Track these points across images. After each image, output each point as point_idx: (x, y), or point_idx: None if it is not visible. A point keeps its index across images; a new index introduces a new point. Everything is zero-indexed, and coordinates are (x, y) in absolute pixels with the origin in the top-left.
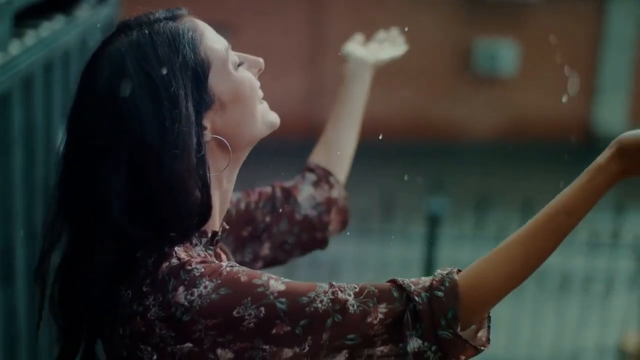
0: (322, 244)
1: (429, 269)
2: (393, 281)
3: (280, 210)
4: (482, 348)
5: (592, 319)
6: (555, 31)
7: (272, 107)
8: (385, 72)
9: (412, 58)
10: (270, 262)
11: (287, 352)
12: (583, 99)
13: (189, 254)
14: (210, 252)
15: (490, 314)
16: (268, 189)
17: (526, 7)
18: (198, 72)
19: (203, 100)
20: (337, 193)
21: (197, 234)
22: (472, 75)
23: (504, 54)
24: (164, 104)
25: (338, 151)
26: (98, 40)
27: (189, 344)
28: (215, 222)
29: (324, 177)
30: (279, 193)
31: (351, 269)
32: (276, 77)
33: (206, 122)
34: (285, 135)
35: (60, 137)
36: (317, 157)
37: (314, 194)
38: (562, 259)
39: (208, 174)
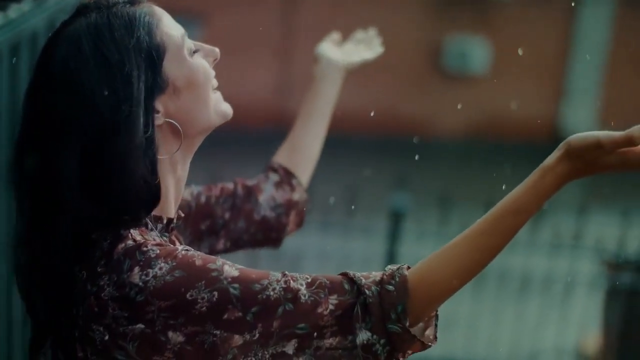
0: (276, 243)
1: (390, 263)
2: (345, 274)
3: (241, 208)
4: (430, 344)
5: (552, 321)
6: (526, 31)
7: (242, 98)
8: (355, 69)
9: (382, 54)
10: (220, 254)
11: (238, 339)
12: (552, 100)
13: (145, 237)
14: (165, 238)
15: (437, 313)
16: (230, 185)
17: (497, 5)
18: (153, 55)
19: (157, 83)
20: (298, 196)
21: (152, 219)
22: (442, 73)
23: (474, 51)
24: (117, 84)
25: (303, 153)
26: None
27: (140, 325)
28: (171, 209)
29: (286, 178)
30: (240, 190)
31: (313, 262)
32: (247, 67)
33: (159, 106)
34: (254, 126)
35: None
36: (282, 158)
37: (275, 195)
38: (524, 260)
39: (157, 156)
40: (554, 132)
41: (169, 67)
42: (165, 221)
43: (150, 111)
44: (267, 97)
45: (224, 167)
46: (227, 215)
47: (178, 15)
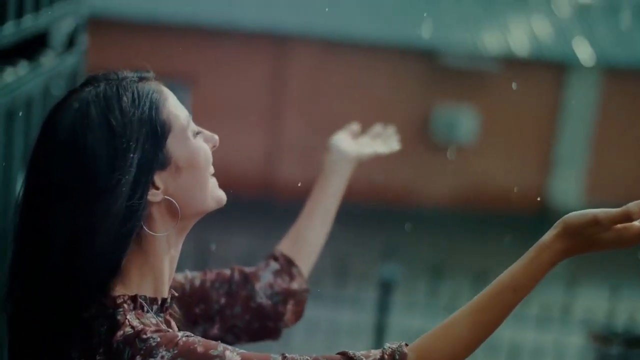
0: (274, 334)
1: (379, 336)
2: (344, 353)
3: (237, 294)
4: None
5: None
6: (515, 102)
7: (232, 164)
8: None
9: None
10: None
11: None
12: (540, 171)
13: (142, 322)
14: (160, 319)
15: None
16: (227, 271)
17: (486, 76)
18: (157, 130)
19: (158, 158)
20: (297, 285)
21: (147, 301)
22: (431, 142)
23: (463, 121)
24: (116, 152)
25: (306, 244)
26: (62, 88)
27: None
28: (165, 289)
29: (286, 267)
30: (237, 277)
31: (302, 334)
32: (236, 132)
33: (159, 182)
34: (244, 192)
35: (19, 185)
36: (284, 246)
37: (273, 283)
38: (512, 332)
39: (133, 231)
40: (541, 202)
41: (173, 145)
42: (160, 302)
43: (142, 184)
44: (255, 164)
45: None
46: (222, 300)
47: (167, 79)
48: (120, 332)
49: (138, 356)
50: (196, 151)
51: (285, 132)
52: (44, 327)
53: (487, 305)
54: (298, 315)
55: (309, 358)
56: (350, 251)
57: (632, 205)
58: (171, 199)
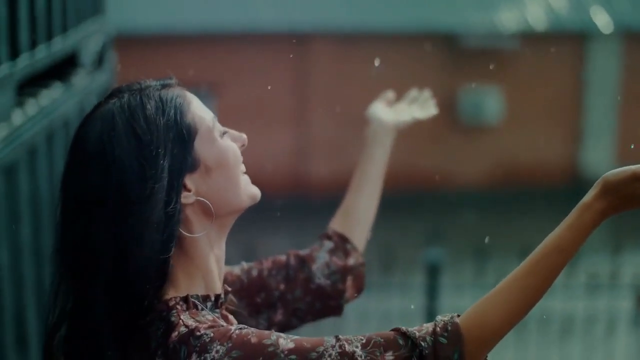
0: (337, 311)
1: (430, 319)
2: (397, 329)
3: (295, 278)
4: None
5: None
6: (539, 77)
7: (263, 165)
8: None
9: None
10: (283, 328)
11: None
12: (570, 143)
13: (197, 320)
14: (217, 315)
15: (487, 357)
16: (282, 257)
17: (508, 54)
18: (184, 134)
19: (187, 162)
20: (353, 261)
21: (200, 299)
22: (459, 125)
23: (489, 101)
24: (145, 160)
25: (357, 218)
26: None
27: None
28: (216, 286)
29: (340, 244)
30: (293, 261)
31: (354, 323)
32: (264, 134)
33: (191, 185)
34: (272, 191)
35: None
36: (336, 224)
37: (329, 263)
38: (563, 303)
39: (175, 234)
40: (574, 174)
41: (200, 147)
42: (213, 298)
43: (176, 189)
44: (283, 161)
45: (249, 235)
46: (281, 286)
47: (193, 90)
48: (175, 333)
49: (194, 354)
50: (224, 150)
51: (313, 130)
52: (102, 342)
53: (534, 269)
54: (359, 289)
55: (362, 337)
56: (393, 238)
57: None
58: (204, 199)
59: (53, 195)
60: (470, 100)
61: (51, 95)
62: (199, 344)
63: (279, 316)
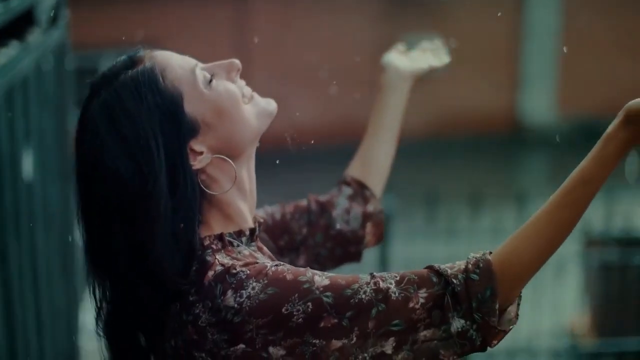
0: (356, 257)
1: (384, 267)
2: (430, 267)
3: (316, 223)
4: (511, 327)
5: (544, 302)
6: (478, 25)
7: None
8: (314, 77)
9: (337, 65)
10: None
11: (336, 344)
12: (510, 90)
13: (232, 257)
14: (252, 248)
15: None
16: (304, 202)
17: (447, 2)
18: (169, 109)
19: (185, 131)
20: (372, 207)
21: (234, 236)
22: None
23: None
24: (138, 157)
25: (375, 165)
26: (51, 64)
27: (241, 345)
28: (247, 220)
29: (359, 191)
30: (314, 206)
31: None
32: None
33: (199, 147)
34: None
35: (24, 163)
36: (354, 170)
37: (349, 209)
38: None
39: (195, 208)
40: (514, 121)
41: (191, 108)
42: (248, 232)
43: (182, 166)
44: None
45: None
46: (304, 230)
47: (129, 44)
48: (211, 272)
49: (229, 290)
50: (215, 100)
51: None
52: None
53: (562, 202)
54: (378, 236)
55: (397, 275)
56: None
57: None
58: (218, 155)
59: (13, 153)
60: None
61: (9, 53)
62: (235, 281)
63: (301, 261)
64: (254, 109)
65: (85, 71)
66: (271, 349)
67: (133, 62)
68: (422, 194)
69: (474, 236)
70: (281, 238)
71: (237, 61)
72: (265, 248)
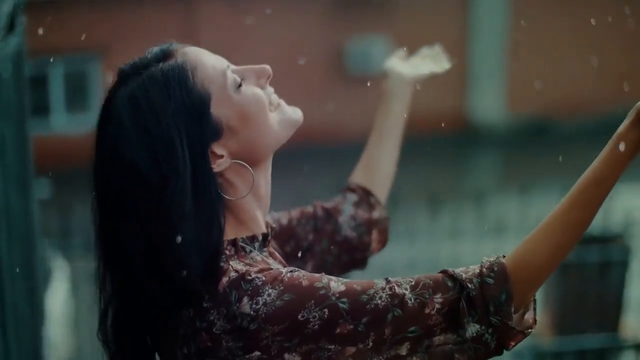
0: (362, 264)
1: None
2: (444, 271)
3: (322, 230)
4: (530, 330)
5: None
6: (426, 23)
7: None
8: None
9: (287, 65)
10: None
11: (351, 349)
12: (459, 89)
13: (246, 263)
14: (265, 254)
15: (535, 297)
16: (309, 208)
17: (395, 3)
18: (196, 109)
19: (209, 133)
20: (377, 214)
21: (246, 242)
22: (347, 75)
23: (377, 50)
24: (161, 155)
25: (379, 171)
26: (10, 71)
27: (257, 353)
28: (260, 225)
29: (364, 197)
30: (320, 212)
31: None
32: None
33: (220, 151)
34: None
35: None
36: (358, 177)
37: (355, 215)
38: (473, 246)
39: (220, 206)
40: (463, 120)
41: (218, 110)
42: (260, 238)
43: (202, 167)
44: None
45: None
46: (310, 236)
47: (78, 51)
48: (225, 279)
49: (245, 297)
50: (243, 105)
51: None
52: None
53: (574, 204)
54: (383, 242)
55: (412, 279)
56: (293, 194)
57: None
58: (238, 161)
59: None
60: (357, 50)
61: None
62: (250, 288)
63: (308, 268)
64: (279, 117)
65: (34, 79)
66: (287, 356)
67: (165, 55)
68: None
69: (433, 237)
70: (287, 244)
71: (268, 67)
72: (277, 254)
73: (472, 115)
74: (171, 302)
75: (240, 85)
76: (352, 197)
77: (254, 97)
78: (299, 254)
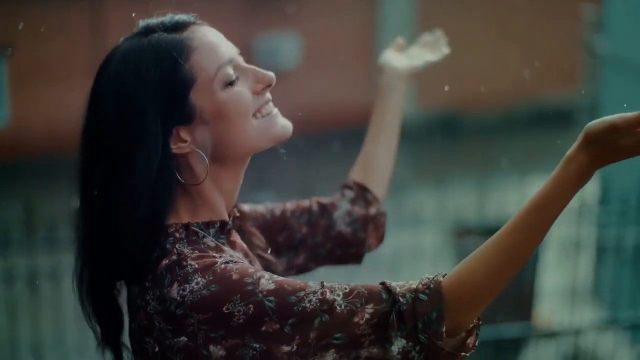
0: (356, 259)
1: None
2: (383, 283)
3: (317, 224)
4: (463, 354)
5: None
6: (334, 20)
7: (60, 124)
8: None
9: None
10: (301, 270)
11: (276, 351)
12: (367, 86)
13: (194, 248)
14: (222, 241)
15: (480, 322)
16: (306, 202)
17: (304, 0)
18: (177, 88)
19: (180, 115)
20: (374, 210)
21: (201, 227)
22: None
23: (285, 47)
24: (130, 119)
25: (376, 168)
26: None
27: (184, 338)
28: (221, 212)
29: (361, 194)
30: (315, 207)
31: None
32: (61, 92)
33: (186, 136)
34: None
35: None
36: (356, 174)
37: (351, 211)
38: (392, 239)
39: (171, 183)
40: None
41: (197, 98)
42: (218, 224)
43: (165, 149)
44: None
45: None
46: (304, 229)
47: None
48: (166, 260)
49: (175, 282)
50: (224, 103)
51: None
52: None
53: (519, 226)
54: (379, 239)
55: (347, 287)
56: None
57: None
58: (198, 150)
59: None
60: (266, 47)
61: None
62: (182, 273)
63: (300, 260)
64: (260, 126)
65: None
66: (212, 348)
67: (176, 26)
68: (298, 191)
69: None
70: (280, 234)
71: (272, 76)
72: (239, 241)
73: None
74: (115, 269)
75: (231, 83)
76: (349, 194)
77: (238, 99)
78: (292, 246)
